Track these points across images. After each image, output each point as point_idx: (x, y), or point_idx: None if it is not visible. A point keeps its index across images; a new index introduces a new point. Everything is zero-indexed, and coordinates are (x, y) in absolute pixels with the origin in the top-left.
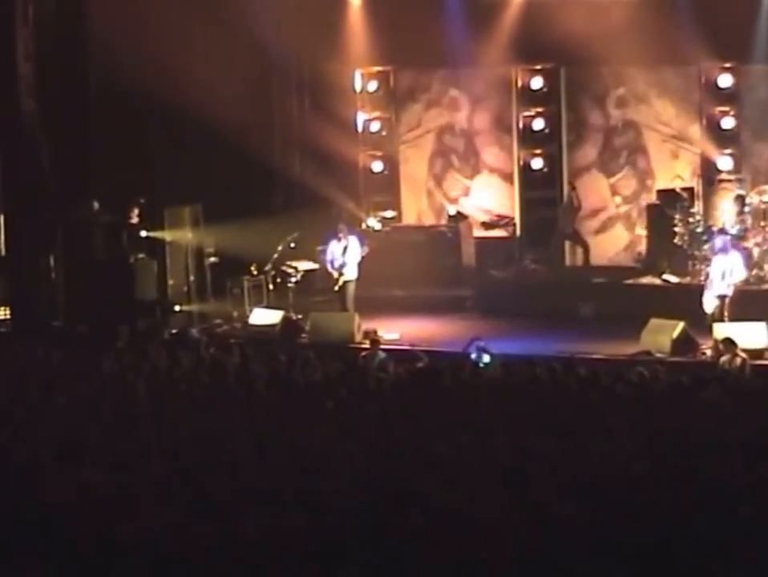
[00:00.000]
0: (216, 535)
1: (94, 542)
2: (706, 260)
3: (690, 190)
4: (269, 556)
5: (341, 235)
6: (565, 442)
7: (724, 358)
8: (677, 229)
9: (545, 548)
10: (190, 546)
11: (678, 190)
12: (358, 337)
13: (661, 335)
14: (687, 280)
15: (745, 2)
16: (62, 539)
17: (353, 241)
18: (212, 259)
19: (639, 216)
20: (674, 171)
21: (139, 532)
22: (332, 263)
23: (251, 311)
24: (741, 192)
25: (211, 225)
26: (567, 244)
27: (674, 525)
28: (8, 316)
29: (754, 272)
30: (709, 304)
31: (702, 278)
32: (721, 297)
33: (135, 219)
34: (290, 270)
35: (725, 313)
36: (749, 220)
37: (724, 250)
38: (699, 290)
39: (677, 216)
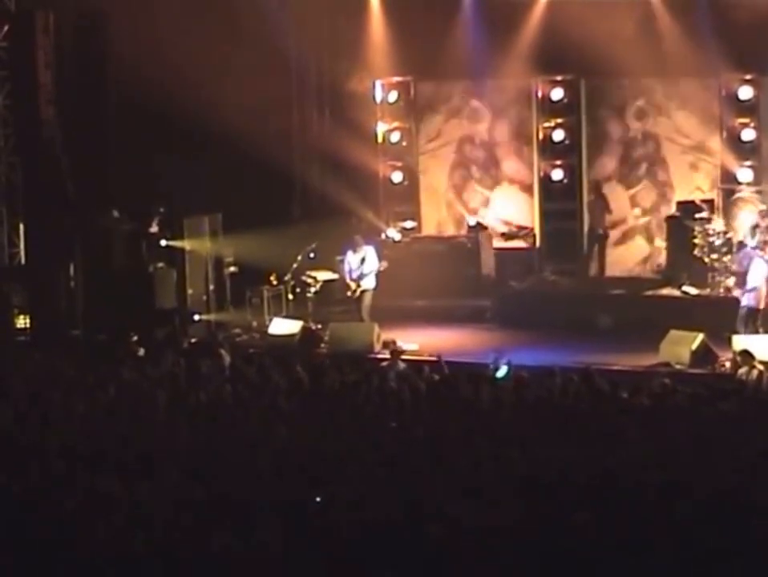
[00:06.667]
0: (233, 545)
1: (111, 549)
2: (725, 272)
3: (710, 202)
4: (285, 566)
5: (357, 246)
6: (583, 453)
7: (741, 370)
8: (696, 241)
9: (561, 558)
10: (207, 556)
11: (698, 202)
12: (378, 348)
13: (680, 346)
14: (706, 291)
15: (766, 14)
16: (78, 547)
17: (370, 252)
18: (232, 268)
19: (658, 228)
20: (694, 183)
21: (155, 541)
22: (350, 273)
23: (270, 320)
24: (762, 205)
25: (230, 235)
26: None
27: (691, 536)
28: (28, 325)
29: None
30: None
31: (721, 290)
32: (750, 308)
33: (154, 229)
34: (309, 280)
35: (758, 324)
36: None
37: (747, 259)
38: (718, 302)
39: (697, 228)
